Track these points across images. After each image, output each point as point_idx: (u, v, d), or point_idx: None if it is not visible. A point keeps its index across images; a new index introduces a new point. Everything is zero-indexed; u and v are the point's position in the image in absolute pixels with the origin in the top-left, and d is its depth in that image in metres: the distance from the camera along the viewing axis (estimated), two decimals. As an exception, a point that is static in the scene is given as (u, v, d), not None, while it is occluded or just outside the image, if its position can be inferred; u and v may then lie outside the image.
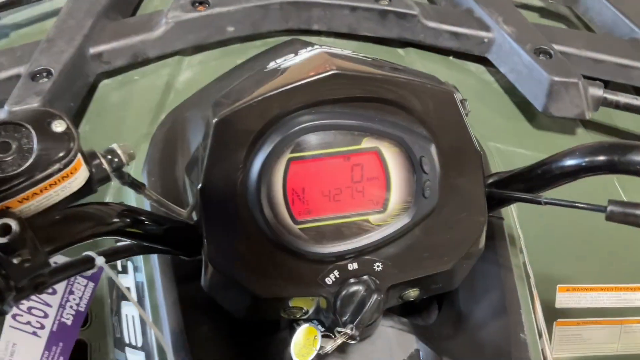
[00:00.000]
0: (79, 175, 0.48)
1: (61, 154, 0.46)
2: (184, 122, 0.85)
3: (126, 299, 0.74)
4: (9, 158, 0.45)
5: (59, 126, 0.46)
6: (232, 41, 1.03)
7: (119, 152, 0.52)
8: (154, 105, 0.93)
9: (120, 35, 0.96)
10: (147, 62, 0.98)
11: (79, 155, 0.47)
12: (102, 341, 0.85)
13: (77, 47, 0.91)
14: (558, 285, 0.96)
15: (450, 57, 1.05)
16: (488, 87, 1.02)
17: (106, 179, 0.52)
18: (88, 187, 0.50)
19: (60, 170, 0.46)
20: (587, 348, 1.01)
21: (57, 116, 0.47)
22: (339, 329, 0.59)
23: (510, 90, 1.00)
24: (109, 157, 0.52)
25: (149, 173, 0.78)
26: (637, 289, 0.98)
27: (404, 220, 0.60)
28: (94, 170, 0.50)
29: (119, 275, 0.77)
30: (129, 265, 0.74)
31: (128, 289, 0.73)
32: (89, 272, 0.53)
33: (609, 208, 0.53)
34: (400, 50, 1.05)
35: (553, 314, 0.97)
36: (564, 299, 0.97)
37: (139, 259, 0.72)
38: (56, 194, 0.47)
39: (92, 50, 0.94)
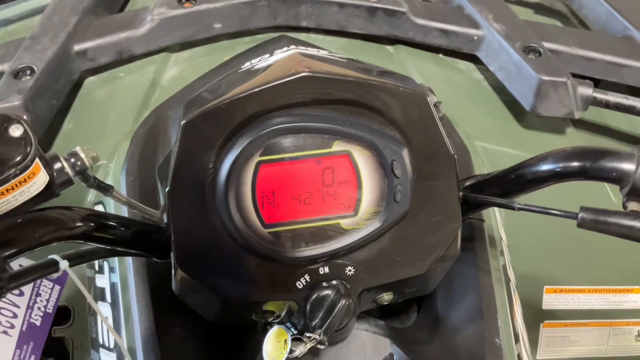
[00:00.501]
0: (38, 180, 0.48)
1: (17, 159, 0.45)
2: (166, 120, 0.85)
3: (101, 299, 0.74)
4: (-36, 163, 0.44)
5: (16, 130, 0.46)
6: (219, 38, 1.02)
7: (82, 155, 0.52)
8: (139, 103, 0.93)
9: (105, 32, 0.95)
10: (132, 59, 0.98)
11: (37, 160, 0.47)
12: (84, 339, 0.85)
13: (61, 44, 0.91)
14: (545, 287, 0.96)
15: (440, 55, 1.04)
16: (477, 86, 1.01)
17: (68, 183, 0.52)
18: (49, 191, 0.50)
19: (16, 175, 0.45)
20: (575, 350, 1.00)
21: (14, 121, 0.46)
22: (307, 334, 0.58)
23: (499, 89, 0.99)
24: (72, 160, 0.51)
25: (128, 172, 0.77)
26: (626, 291, 0.97)
27: (375, 225, 0.59)
28: (55, 174, 0.50)
29: (96, 275, 0.77)
30: (105, 265, 0.74)
31: (103, 289, 0.73)
32: (54, 275, 0.52)
33: (580, 215, 0.52)
34: (389, 48, 1.04)
35: (540, 316, 0.96)
36: (550, 300, 0.96)
37: (114, 260, 0.72)
38: (14, 199, 0.47)
39: (77, 47, 0.93)
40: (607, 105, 0.91)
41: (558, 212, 0.55)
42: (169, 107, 0.88)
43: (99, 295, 0.75)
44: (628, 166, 0.52)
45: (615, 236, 0.52)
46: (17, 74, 0.87)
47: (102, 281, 0.74)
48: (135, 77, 0.97)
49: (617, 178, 0.53)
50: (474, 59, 1.02)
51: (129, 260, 0.69)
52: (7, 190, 0.46)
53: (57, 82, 0.90)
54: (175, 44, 1.00)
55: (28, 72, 0.87)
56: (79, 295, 0.83)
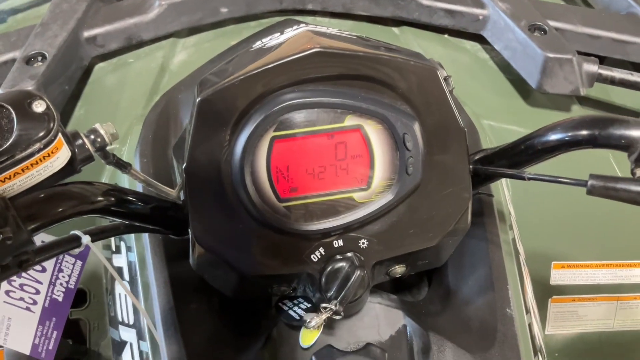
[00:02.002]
0: (61, 155, 0.49)
1: (41, 134, 0.46)
2: (177, 104, 0.86)
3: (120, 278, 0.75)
4: (-11, 138, 0.45)
5: (39, 106, 0.47)
6: (226, 22, 1.03)
7: (102, 132, 0.53)
8: (149, 88, 0.94)
9: (114, 18, 0.96)
10: (141, 44, 0.99)
11: (60, 135, 0.48)
12: (100, 321, 0.87)
13: (70, 30, 0.92)
14: (553, 262, 0.97)
15: (446, 35, 1.05)
16: (483, 65, 1.02)
17: (89, 159, 0.53)
18: (71, 167, 0.51)
19: (40, 149, 0.47)
20: (583, 324, 1.01)
21: (37, 97, 0.47)
22: (323, 305, 0.59)
23: (505, 67, 1.00)
24: (92, 137, 0.53)
25: (142, 154, 0.78)
26: (633, 266, 0.98)
27: (388, 197, 0.61)
28: (76, 150, 0.51)
29: (113, 255, 0.78)
30: (122, 245, 0.75)
31: (121, 268, 0.75)
32: (76, 251, 0.54)
33: (590, 182, 0.53)
34: (395, 29, 1.05)
35: (548, 291, 0.97)
36: (558, 275, 0.97)
37: (131, 239, 0.74)
38: (38, 174, 0.48)
39: (86, 33, 0.95)
40: (612, 81, 0.92)
41: (568, 180, 0.56)
42: (179, 91, 0.89)
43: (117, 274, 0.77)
44: (636, 133, 0.53)
45: (625, 202, 0.53)
46: (28, 60, 0.88)
47: (119, 261, 0.76)
48: (145, 62, 0.98)
49: (625, 145, 0.54)
50: (479, 38, 1.02)
51: (145, 239, 0.71)
52: (31, 164, 0.47)
53: (68, 68, 0.91)
54: (182, 29, 1.01)
55: (39, 58, 0.88)
56: (94, 277, 0.85)
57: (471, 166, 0.64)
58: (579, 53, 0.93)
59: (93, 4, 0.97)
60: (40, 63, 0.88)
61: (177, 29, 1.00)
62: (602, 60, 0.97)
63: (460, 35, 1.04)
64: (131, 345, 0.71)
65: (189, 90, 0.87)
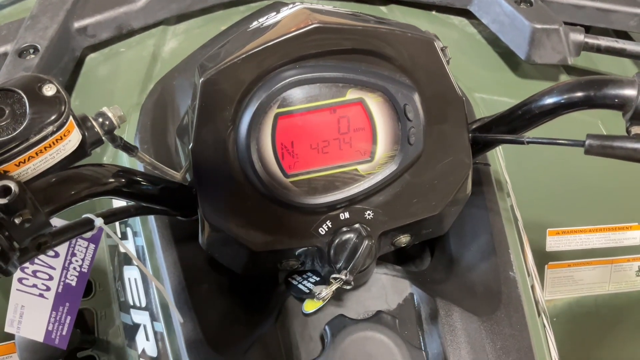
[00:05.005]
0: (72, 138, 0.49)
1: (53, 117, 0.47)
2: (173, 90, 0.86)
3: (128, 263, 0.76)
4: (4, 123, 0.46)
5: (49, 90, 0.48)
6: (215, 8, 1.03)
7: (110, 114, 0.53)
8: (142, 76, 0.94)
9: (103, 8, 0.96)
10: (132, 33, 0.99)
11: (71, 118, 0.49)
12: (107, 309, 0.88)
13: (61, 22, 0.92)
14: (548, 229, 0.99)
15: (433, 12, 1.06)
16: (472, 39, 1.03)
17: (99, 142, 0.53)
18: (82, 150, 0.51)
19: (54, 132, 0.47)
20: (579, 289, 1.04)
21: (46, 80, 0.48)
22: (334, 276, 0.61)
23: (494, 41, 1.01)
24: (100, 120, 0.53)
25: (142, 141, 0.79)
26: (625, 229, 1.01)
27: (392, 168, 0.62)
28: (86, 133, 0.52)
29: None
30: (128, 231, 0.76)
31: (129, 253, 0.75)
32: (89, 234, 0.55)
33: (587, 142, 0.55)
34: (383, 8, 1.06)
35: (544, 258, 1.00)
36: (554, 242, 1.00)
37: (137, 224, 0.74)
38: (51, 157, 0.49)
39: (77, 24, 0.94)
40: (598, 49, 0.94)
41: (566, 142, 0.58)
42: (174, 77, 0.89)
43: (125, 260, 0.77)
44: (630, 92, 0.55)
45: (621, 159, 0.55)
46: (21, 53, 0.88)
47: (127, 247, 0.76)
48: (136, 51, 0.98)
49: (620, 104, 0.55)
50: (466, 13, 1.04)
51: (152, 223, 0.71)
52: (44, 148, 0.47)
53: (61, 59, 0.91)
54: (172, 16, 1.01)
55: (32, 50, 0.88)
56: (99, 267, 0.86)
57: (470, 134, 0.65)
58: (565, 23, 0.95)
59: (81, -5, 0.97)
60: (32, 55, 0.88)
61: (166, 16, 1.00)
62: (587, 30, 0.99)
63: (447, 11, 1.05)
64: (145, 327, 0.72)
65: (184, 76, 0.87)
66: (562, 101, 0.59)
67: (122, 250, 0.78)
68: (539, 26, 0.92)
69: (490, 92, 0.95)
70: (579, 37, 0.93)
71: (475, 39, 1.03)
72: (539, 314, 0.70)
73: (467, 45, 1.03)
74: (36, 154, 0.47)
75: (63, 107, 0.47)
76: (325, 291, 0.62)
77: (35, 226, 0.47)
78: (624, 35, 1.05)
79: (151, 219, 0.72)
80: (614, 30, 1.03)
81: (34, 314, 0.63)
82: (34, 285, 0.61)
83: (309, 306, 0.67)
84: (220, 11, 1.03)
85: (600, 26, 1.02)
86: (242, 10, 1.03)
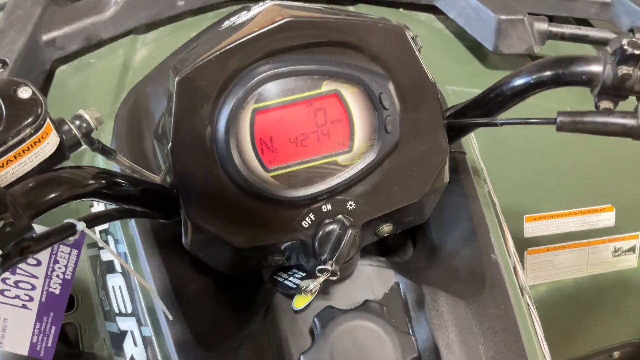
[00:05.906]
0: (50, 141, 0.49)
1: (30, 119, 0.47)
2: (147, 97, 0.86)
3: (111, 271, 0.75)
4: (-20, 128, 0.46)
5: (25, 93, 0.48)
6: (183, 15, 1.03)
7: (87, 117, 0.53)
8: (114, 85, 0.94)
9: (71, 20, 0.96)
10: (101, 44, 0.99)
11: (48, 120, 0.48)
12: (91, 322, 0.86)
13: (29, 35, 0.91)
14: (525, 216, 1.01)
15: (400, 9, 1.08)
16: (440, 34, 1.05)
17: (77, 145, 0.53)
18: (60, 154, 0.51)
19: (31, 134, 0.47)
20: (559, 273, 1.06)
21: (21, 83, 0.48)
22: (320, 267, 0.61)
23: (461, 34, 1.03)
24: (78, 122, 0.53)
25: (118, 149, 0.78)
26: (599, 211, 1.03)
27: (371, 157, 0.63)
28: (64, 136, 0.52)
29: (100, 251, 0.78)
30: (110, 239, 0.75)
31: (112, 262, 0.75)
32: (72, 239, 0.54)
33: (559, 119, 0.57)
34: (350, 8, 1.07)
35: (523, 244, 1.02)
36: (531, 228, 1.02)
37: (119, 231, 0.74)
38: (30, 160, 0.48)
39: (45, 37, 0.94)
40: (562, 37, 0.97)
41: (537, 120, 0.59)
42: (147, 85, 0.89)
43: (108, 268, 0.76)
44: (596, 68, 0.57)
45: (592, 134, 0.56)
46: (-11, 68, 0.87)
47: (108, 255, 0.76)
48: (107, 61, 0.98)
49: (587, 80, 0.57)
50: (433, 9, 1.06)
51: (134, 229, 0.71)
52: (23, 151, 0.47)
53: (30, 72, 0.90)
54: (140, 25, 1.00)
55: (0, 65, 0.87)
56: (80, 280, 0.84)
57: (445, 121, 0.66)
58: (529, 14, 0.97)
59: (48, 8, 0.96)
60: (2, 70, 0.87)
61: (135, 25, 1.00)
62: (550, 19, 1.02)
63: (414, 7, 1.07)
64: (132, 333, 0.71)
65: (157, 84, 0.87)
66: (532, 81, 0.60)
67: (104, 259, 0.77)
68: (504, 17, 0.94)
69: (461, 84, 0.97)
70: (543, 26, 0.96)
71: (443, 33, 1.05)
72: (522, 294, 0.71)
73: (436, 40, 1.04)
74: (14, 157, 0.47)
75: (40, 109, 0.47)
76: (313, 284, 0.62)
77: (18, 230, 0.46)
78: (584, 22, 1.08)
79: (132, 225, 0.72)
80: (574, 18, 1.06)
81: (17, 327, 0.62)
82: (17, 297, 0.60)
83: (299, 302, 0.68)
84: (190, 18, 1.03)
85: (562, 15, 1.04)
86: (211, 16, 1.04)
